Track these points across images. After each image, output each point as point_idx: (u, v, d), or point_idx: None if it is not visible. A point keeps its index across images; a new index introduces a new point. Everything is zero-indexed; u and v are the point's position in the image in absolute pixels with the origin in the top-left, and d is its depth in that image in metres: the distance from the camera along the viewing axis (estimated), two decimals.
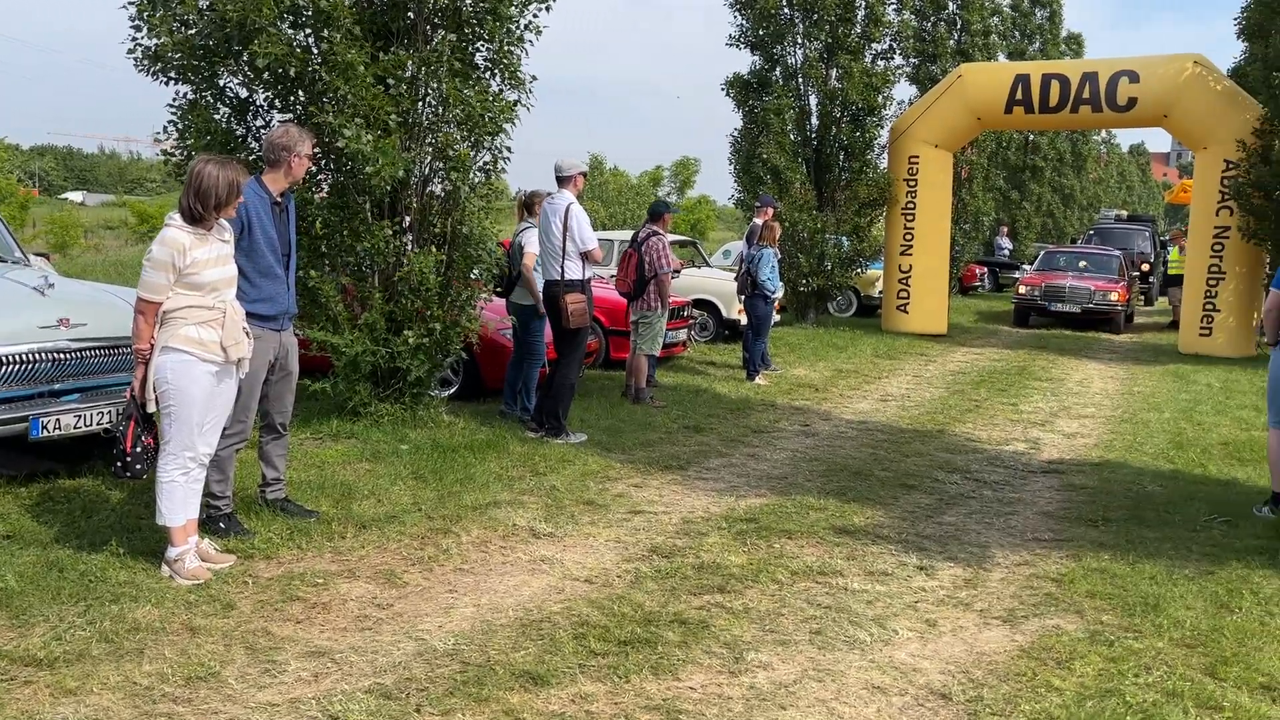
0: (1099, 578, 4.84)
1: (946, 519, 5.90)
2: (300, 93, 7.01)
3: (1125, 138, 71.94)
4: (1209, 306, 14.51)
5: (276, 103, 7.16)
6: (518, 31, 7.45)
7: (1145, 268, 23.55)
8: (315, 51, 6.83)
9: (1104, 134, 41.96)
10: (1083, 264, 19.21)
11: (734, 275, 12.13)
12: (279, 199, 4.95)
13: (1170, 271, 19.96)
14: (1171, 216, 50.10)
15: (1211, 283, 14.47)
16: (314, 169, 7.10)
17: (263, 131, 7.09)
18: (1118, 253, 20.03)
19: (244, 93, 7.10)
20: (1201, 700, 3.59)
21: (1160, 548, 5.36)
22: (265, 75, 6.84)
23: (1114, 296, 17.92)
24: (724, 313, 13.44)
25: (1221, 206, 14.26)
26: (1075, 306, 18.07)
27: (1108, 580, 4.81)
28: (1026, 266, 23.62)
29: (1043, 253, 21.01)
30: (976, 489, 6.65)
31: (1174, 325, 17.38)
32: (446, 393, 8.61)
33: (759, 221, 11.26)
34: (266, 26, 6.49)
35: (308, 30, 6.89)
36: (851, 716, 3.43)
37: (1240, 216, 13.93)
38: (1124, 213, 32.09)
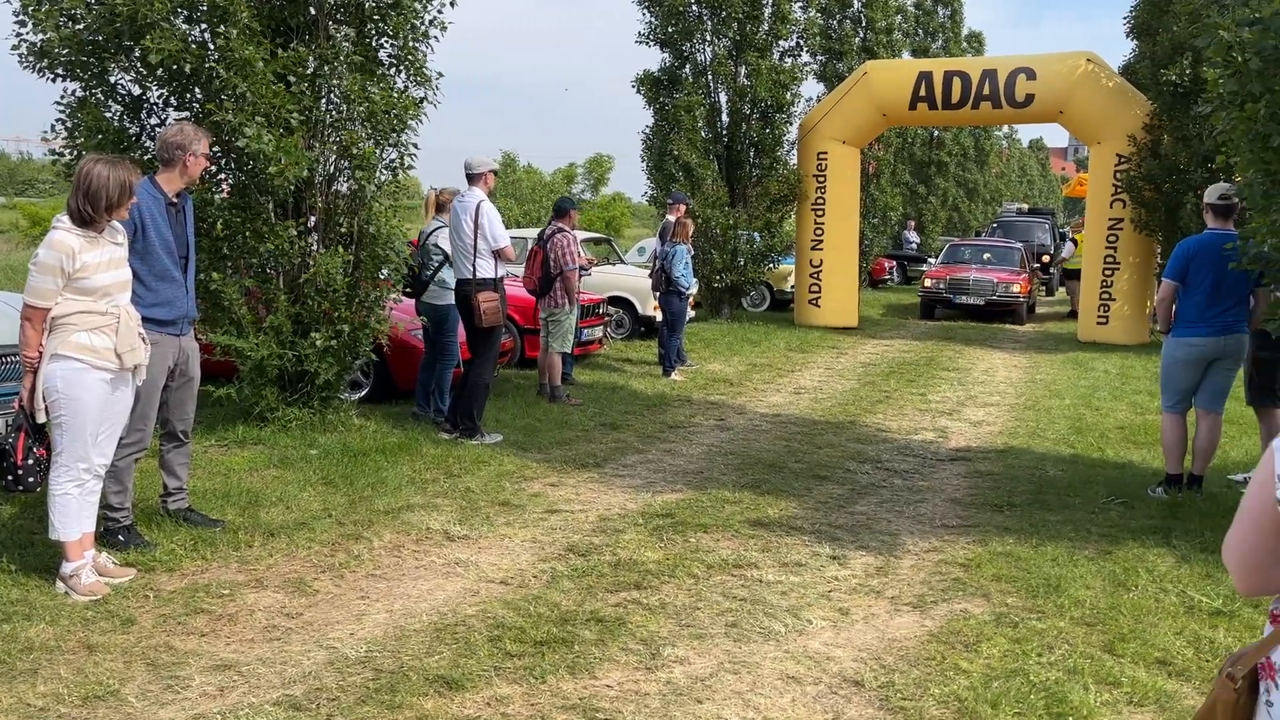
0: (1004, 561, 4.97)
1: (858, 508, 6.00)
2: (197, 90, 6.81)
3: (1026, 133, 74.26)
4: (1105, 296, 15.04)
5: (172, 100, 6.94)
6: (422, 28, 7.35)
7: (1046, 259, 24.29)
8: (212, 47, 6.62)
9: (1005, 129, 43.22)
10: (986, 256, 19.72)
11: (648, 272, 12.17)
12: (174, 199, 4.80)
13: (1066, 267, 20.65)
14: (1070, 209, 51.73)
15: (1107, 273, 14.99)
16: (213, 168, 6.91)
17: (158, 130, 6.86)
18: (1019, 245, 20.59)
19: (137, 90, 6.86)
20: (1101, 676, 3.71)
21: (1061, 530, 5.53)
22: (159, 72, 6.62)
23: (1016, 288, 18.43)
24: (639, 309, 13.48)
25: (1115, 199, 14.78)
26: (979, 299, 18.52)
27: (1012, 563, 4.95)
28: (933, 259, 24.18)
29: (947, 246, 21.49)
30: (887, 478, 6.78)
31: (1073, 314, 17.96)
32: (357, 395, 8.46)
33: (672, 218, 11.32)
34: (159, 21, 6.28)
35: (203, 25, 6.69)
36: (767, 707, 3.46)
37: (1133, 209, 14.47)
38: (1025, 206, 33.10)
